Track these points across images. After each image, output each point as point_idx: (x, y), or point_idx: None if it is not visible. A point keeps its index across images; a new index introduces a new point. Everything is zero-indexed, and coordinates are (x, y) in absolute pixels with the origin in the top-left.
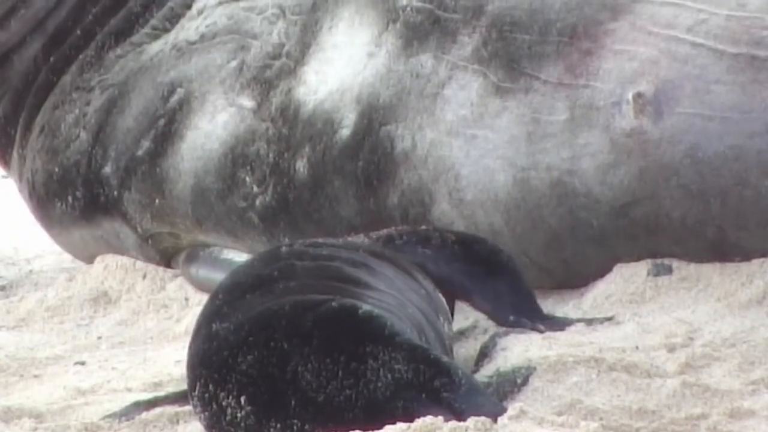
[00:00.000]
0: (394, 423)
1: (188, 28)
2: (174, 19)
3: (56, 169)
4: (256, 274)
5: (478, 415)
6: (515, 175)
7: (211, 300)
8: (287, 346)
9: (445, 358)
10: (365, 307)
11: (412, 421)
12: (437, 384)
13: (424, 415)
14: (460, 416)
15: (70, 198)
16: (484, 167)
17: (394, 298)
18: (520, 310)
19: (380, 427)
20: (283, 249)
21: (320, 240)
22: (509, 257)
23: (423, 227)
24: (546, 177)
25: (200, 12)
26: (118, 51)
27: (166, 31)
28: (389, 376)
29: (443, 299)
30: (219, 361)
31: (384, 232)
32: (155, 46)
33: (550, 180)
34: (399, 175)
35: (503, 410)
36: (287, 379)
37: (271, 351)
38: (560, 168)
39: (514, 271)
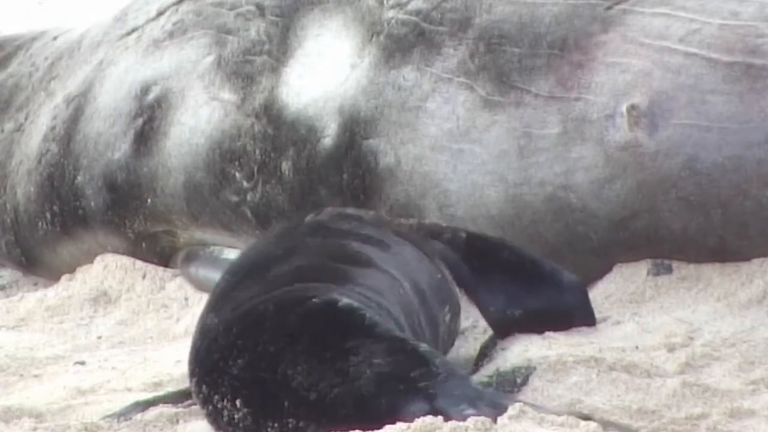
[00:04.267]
0: (393, 422)
1: (152, 29)
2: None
3: (32, 189)
4: (265, 252)
5: (455, 402)
6: (507, 190)
7: (220, 279)
8: (274, 348)
9: (423, 347)
10: (344, 300)
11: (400, 415)
12: (415, 375)
13: (409, 408)
14: (437, 405)
15: (48, 215)
16: (472, 182)
17: (388, 277)
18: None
19: (380, 427)
20: (307, 221)
21: (350, 211)
22: (512, 253)
23: (444, 224)
24: (540, 192)
25: (160, 12)
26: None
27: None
28: (370, 371)
29: (457, 294)
30: (211, 365)
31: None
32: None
33: (544, 195)
34: (385, 191)
35: (482, 396)
36: (279, 381)
37: (260, 355)
38: (554, 183)
39: (515, 267)
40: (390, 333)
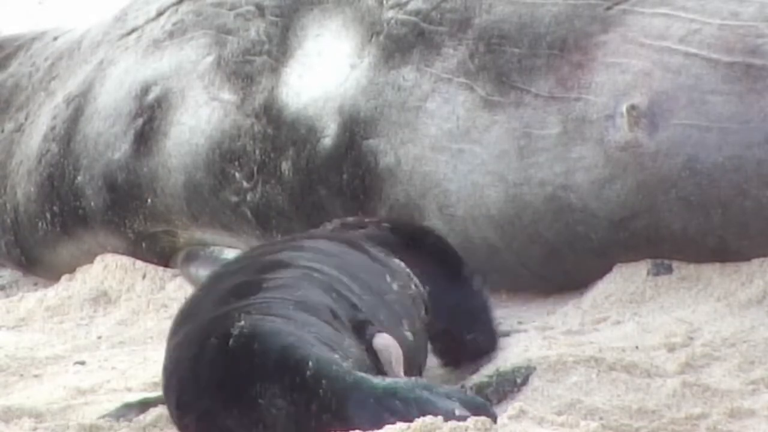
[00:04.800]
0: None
1: (152, 29)
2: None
3: (32, 189)
4: (193, 296)
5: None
6: (507, 190)
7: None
8: (204, 404)
9: (309, 372)
10: (235, 330)
11: None
12: (314, 408)
13: None
14: None
15: (48, 215)
16: (472, 182)
17: (301, 269)
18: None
19: (380, 427)
20: (263, 245)
21: (302, 234)
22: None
23: (367, 219)
24: (540, 192)
25: (160, 12)
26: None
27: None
28: (280, 414)
29: (399, 264)
30: (171, 404)
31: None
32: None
33: (544, 195)
34: (385, 191)
35: (381, 402)
36: (218, 425)
37: (199, 413)
38: (554, 183)
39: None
40: (282, 363)
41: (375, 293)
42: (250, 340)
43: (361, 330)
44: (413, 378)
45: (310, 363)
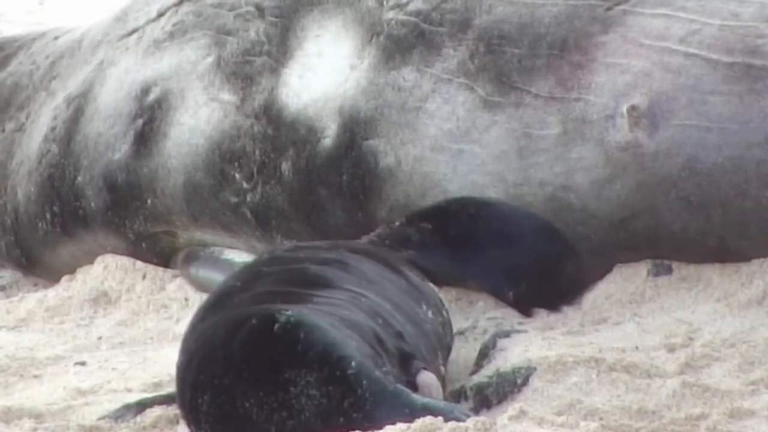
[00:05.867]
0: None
1: (152, 30)
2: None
3: (32, 189)
4: (227, 285)
5: (392, 421)
6: (507, 190)
7: (192, 317)
8: (227, 381)
9: (351, 370)
10: (282, 317)
11: None
12: (347, 405)
13: None
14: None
15: (49, 215)
16: (472, 183)
17: (347, 292)
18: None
19: (380, 427)
20: (264, 256)
21: (303, 244)
22: (489, 224)
23: (397, 224)
24: (540, 192)
25: (161, 13)
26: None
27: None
28: (310, 403)
29: (432, 289)
30: (186, 405)
31: (367, 238)
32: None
33: (544, 196)
34: (385, 191)
35: (413, 411)
36: (241, 415)
37: (218, 389)
38: (554, 183)
39: (497, 239)
40: (325, 355)
41: (415, 323)
42: (296, 327)
43: (407, 362)
44: (453, 403)
45: (354, 363)
